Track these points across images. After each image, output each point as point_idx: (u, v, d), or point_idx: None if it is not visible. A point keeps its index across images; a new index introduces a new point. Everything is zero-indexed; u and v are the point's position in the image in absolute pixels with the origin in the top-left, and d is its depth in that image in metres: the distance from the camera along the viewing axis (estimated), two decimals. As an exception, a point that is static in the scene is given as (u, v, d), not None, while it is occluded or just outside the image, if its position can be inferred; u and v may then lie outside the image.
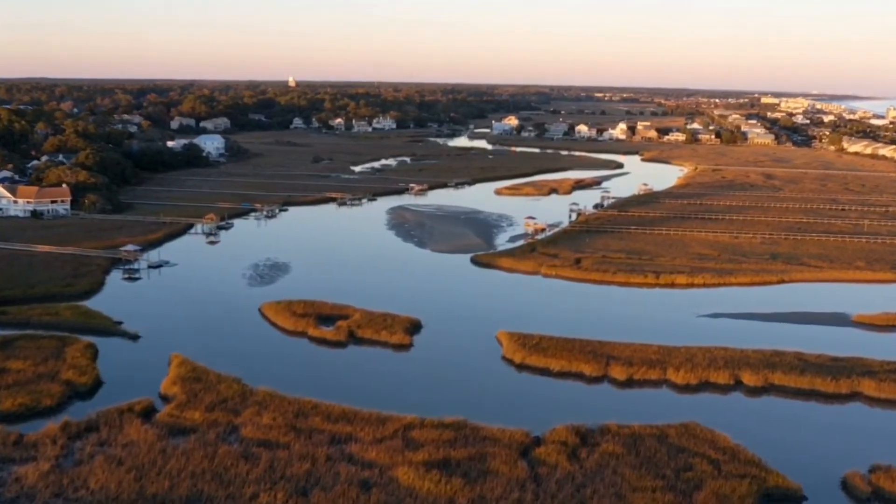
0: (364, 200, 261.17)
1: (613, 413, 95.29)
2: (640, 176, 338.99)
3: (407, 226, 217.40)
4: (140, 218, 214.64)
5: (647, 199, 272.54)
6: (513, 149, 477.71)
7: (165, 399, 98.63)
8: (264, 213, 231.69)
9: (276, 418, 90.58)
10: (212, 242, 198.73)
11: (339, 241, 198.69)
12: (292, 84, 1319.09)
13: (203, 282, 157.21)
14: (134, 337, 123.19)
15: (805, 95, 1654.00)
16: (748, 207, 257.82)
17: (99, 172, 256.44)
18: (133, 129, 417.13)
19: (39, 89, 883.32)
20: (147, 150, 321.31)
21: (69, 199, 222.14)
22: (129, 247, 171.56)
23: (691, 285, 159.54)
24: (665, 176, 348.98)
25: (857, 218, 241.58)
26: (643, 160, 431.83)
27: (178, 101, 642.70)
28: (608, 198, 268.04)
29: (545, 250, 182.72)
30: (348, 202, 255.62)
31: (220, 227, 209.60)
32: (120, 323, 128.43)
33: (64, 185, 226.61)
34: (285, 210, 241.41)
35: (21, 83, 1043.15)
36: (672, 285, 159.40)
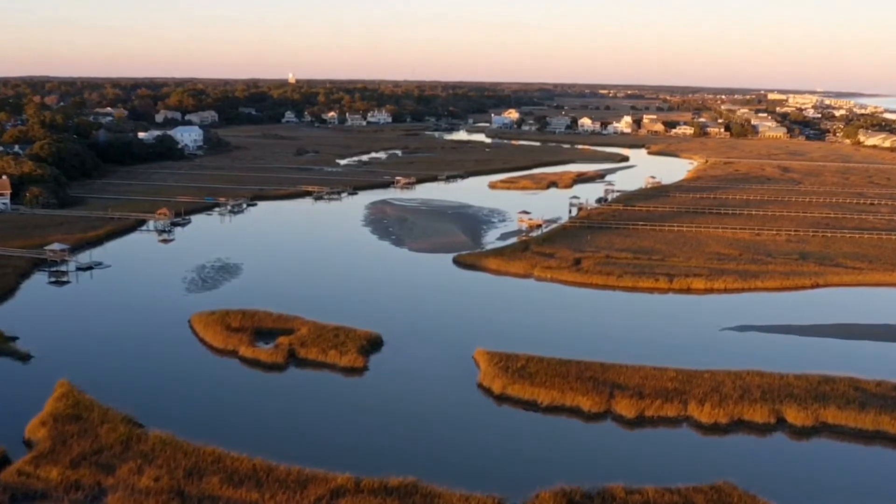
0: (344, 194, 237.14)
1: (619, 467, 71.31)
2: (646, 169, 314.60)
3: (386, 221, 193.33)
4: (86, 213, 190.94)
5: (656, 192, 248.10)
6: (513, 142, 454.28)
7: (29, 446, 74.86)
8: (228, 207, 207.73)
9: (160, 478, 66.65)
10: (164, 241, 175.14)
11: (305, 239, 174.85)
12: (292, 81, 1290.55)
13: (135, 287, 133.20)
14: (24, 357, 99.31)
15: (811, 92, 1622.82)
16: (767, 202, 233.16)
17: (54, 164, 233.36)
18: (106, 120, 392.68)
19: (31, 85, 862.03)
20: (115, 142, 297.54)
21: (9, 192, 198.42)
22: (56, 246, 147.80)
23: (711, 290, 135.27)
24: (674, 169, 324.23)
25: (889, 213, 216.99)
26: (650, 153, 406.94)
27: (166, 95, 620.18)
28: (612, 191, 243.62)
29: (540, 249, 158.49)
30: (325, 196, 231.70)
31: (174, 224, 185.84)
32: (14, 339, 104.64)
33: (3, 177, 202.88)
34: (254, 205, 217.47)
35: (16, 80, 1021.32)
36: (688, 290, 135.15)
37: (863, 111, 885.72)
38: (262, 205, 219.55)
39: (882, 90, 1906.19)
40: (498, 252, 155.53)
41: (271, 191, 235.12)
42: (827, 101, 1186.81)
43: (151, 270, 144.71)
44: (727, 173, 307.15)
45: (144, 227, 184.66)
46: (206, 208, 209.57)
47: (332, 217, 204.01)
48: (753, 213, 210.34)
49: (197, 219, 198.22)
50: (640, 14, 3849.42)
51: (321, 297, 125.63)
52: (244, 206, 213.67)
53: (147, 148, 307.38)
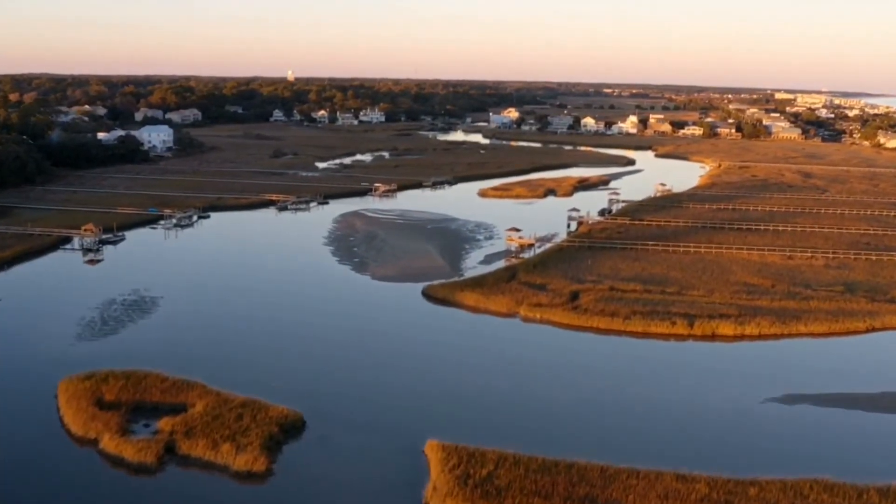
0: (313, 204, 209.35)
1: None
2: (654, 174, 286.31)
3: (353, 239, 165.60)
4: (2, 229, 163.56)
5: (667, 202, 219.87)
6: (512, 143, 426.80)
7: None
8: (174, 221, 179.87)
9: None
10: (91, 262, 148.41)
11: (250, 262, 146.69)
12: (291, 79, 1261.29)
13: (15, 330, 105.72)
14: None
15: (817, 92, 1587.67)
16: (794, 214, 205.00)
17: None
18: (69, 118, 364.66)
19: (18, 82, 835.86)
20: (69, 143, 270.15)
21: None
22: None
23: (741, 337, 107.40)
24: (684, 174, 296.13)
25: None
26: (657, 156, 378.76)
27: (150, 93, 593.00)
28: (617, 201, 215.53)
29: (529, 278, 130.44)
30: (290, 206, 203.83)
31: (103, 242, 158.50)
32: None
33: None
34: (206, 217, 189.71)
35: (3, 77, 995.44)
36: (713, 337, 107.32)
37: (876, 111, 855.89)
38: (216, 216, 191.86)
39: (889, 90, 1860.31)
40: (477, 282, 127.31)
41: (231, 199, 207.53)
42: (836, 101, 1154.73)
43: (49, 306, 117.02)
44: (744, 179, 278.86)
45: (69, 246, 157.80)
46: (150, 221, 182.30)
47: (293, 232, 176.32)
48: (780, 228, 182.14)
49: (137, 234, 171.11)
50: (643, 13, 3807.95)
51: (242, 350, 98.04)
52: (194, 218, 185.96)
53: (106, 150, 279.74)
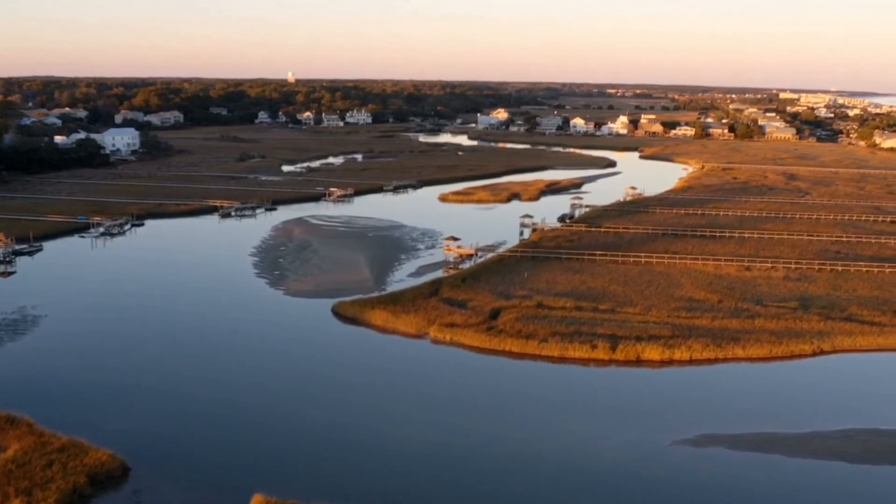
0: (260, 210, 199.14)
1: None
2: (633, 176, 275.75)
3: (283, 248, 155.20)
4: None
5: (633, 207, 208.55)
6: (499, 145, 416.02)
7: None
8: (102, 229, 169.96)
9: None
10: (3, 274, 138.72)
11: (160, 277, 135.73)
12: (291, 80, 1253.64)
13: None
14: None
15: (823, 92, 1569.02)
16: (766, 219, 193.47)
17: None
18: (31, 121, 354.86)
19: (9, 84, 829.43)
20: (20, 148, 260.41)
21: None
22: None
23: (669, 362, 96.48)
24: (664, 176, 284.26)
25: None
26: (642, 157, 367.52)
27: (133, 94, 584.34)
28: (580, 206, 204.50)
29: (452, 293, 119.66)
30: (234, 213, 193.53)
31: (17, 253, 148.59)
32: None
33: None
34: (140, 224, 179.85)
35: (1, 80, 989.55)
36: (637, 362, 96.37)
37: (877, 111, 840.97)
38: (152, 224, 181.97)
39: (894, 89, 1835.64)
40: (393, 298, 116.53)
41: (171, 206, 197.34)
42: (840, 101, 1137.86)
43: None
44: (723, 182, 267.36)
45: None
46: (80, 229, 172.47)
47: (225, 241, 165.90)
48: (747, 235, 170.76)
49: (61, 243, 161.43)
50: (648, 13, 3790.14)
51: (97, 381, 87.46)
52: (128, 226, 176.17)
53: (62, 154, 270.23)
